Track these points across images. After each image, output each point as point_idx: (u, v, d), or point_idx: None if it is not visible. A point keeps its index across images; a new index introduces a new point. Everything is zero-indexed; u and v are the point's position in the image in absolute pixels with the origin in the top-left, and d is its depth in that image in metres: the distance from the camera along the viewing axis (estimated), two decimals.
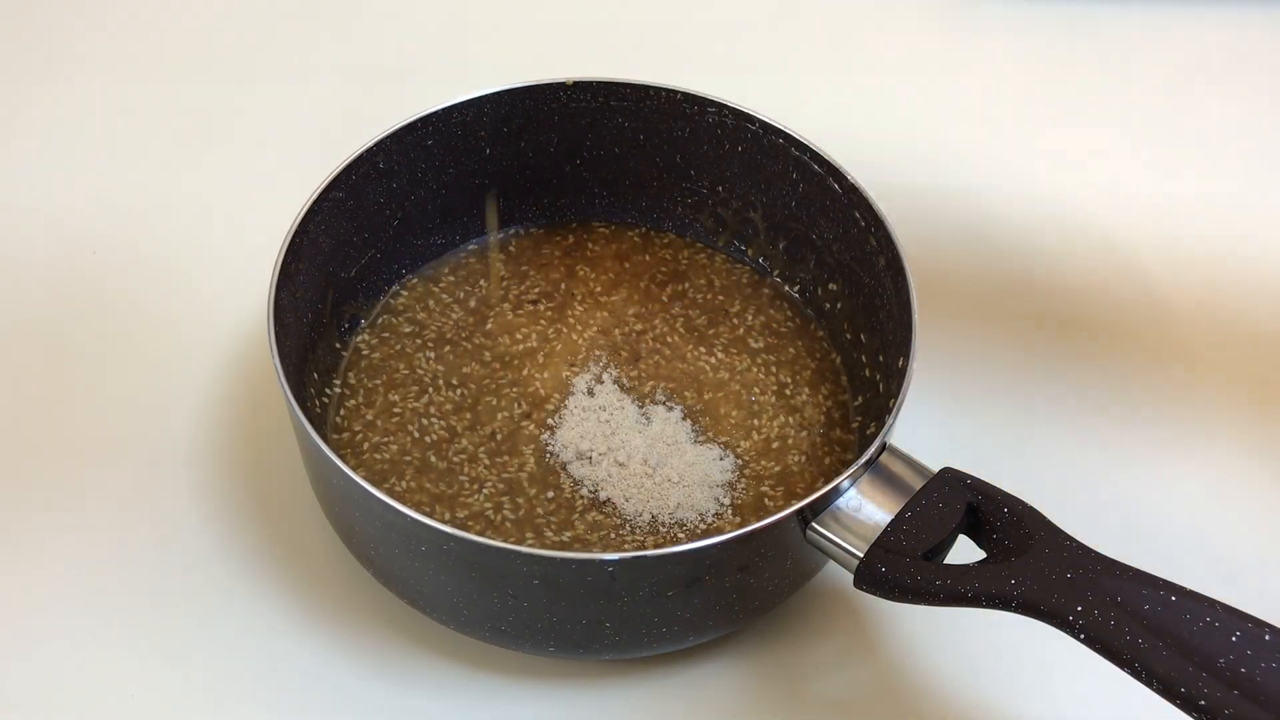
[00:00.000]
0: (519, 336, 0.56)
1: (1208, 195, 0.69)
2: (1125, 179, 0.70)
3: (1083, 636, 0.38)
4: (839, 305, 0.57)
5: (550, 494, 0.50)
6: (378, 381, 0.54)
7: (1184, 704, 0.36)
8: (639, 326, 0.56)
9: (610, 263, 0.59)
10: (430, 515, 0.48)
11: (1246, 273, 0.65)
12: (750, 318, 0.57)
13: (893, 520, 0.43)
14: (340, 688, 0.48)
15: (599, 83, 0.56)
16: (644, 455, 0.50)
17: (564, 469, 0.51)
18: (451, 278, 0.58)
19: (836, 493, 0.43)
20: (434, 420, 0.52)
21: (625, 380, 0.54)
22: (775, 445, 0.52)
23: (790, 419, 0.53)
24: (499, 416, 0.53)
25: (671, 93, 0.56)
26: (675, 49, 0.76)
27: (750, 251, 0.60)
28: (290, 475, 0.53)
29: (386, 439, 0.52)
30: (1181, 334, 0.62)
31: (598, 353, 0.55)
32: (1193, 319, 0.63)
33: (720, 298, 0.58)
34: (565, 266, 0.59)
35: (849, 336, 0.56)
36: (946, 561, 0.43)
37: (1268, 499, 0.55)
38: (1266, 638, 0.37)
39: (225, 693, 0.48)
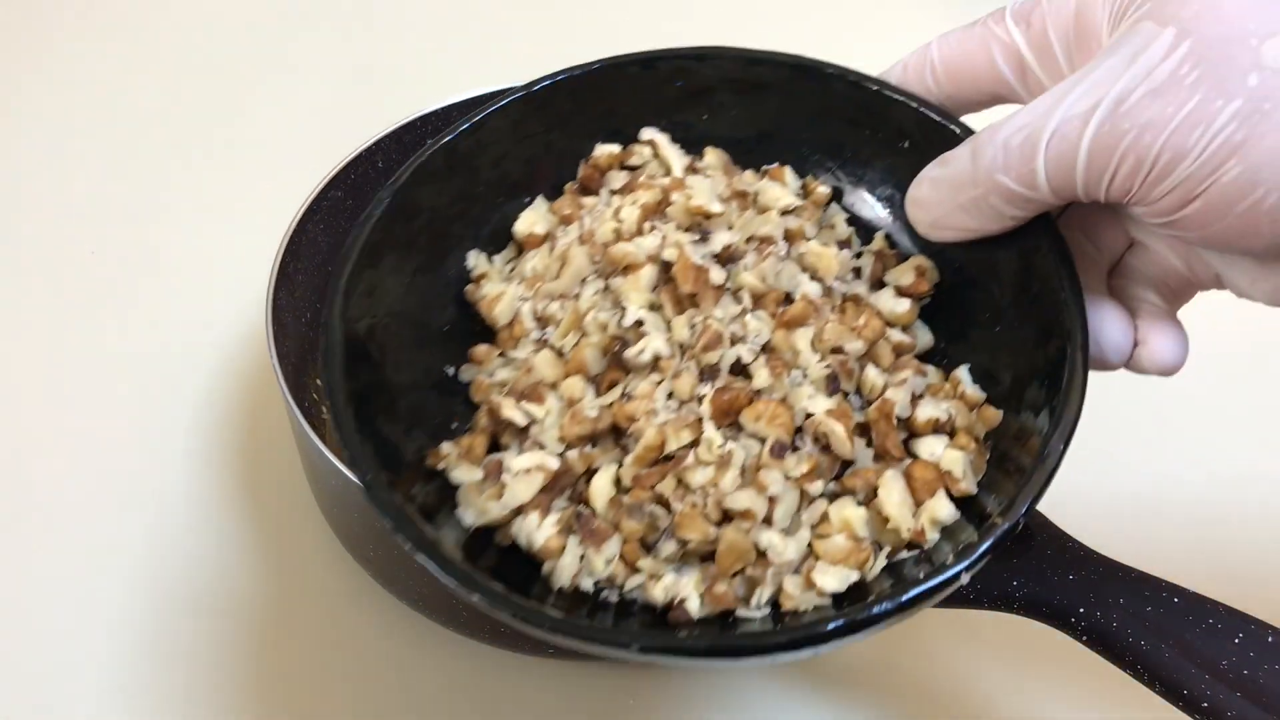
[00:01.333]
0: None
1: None
2: None
3: (1085, 638, 0.38)
4: None
5: None
6: None
7: (1186, 706, 0.36)
8: None
9: None
10: None
11: None
12: None
13: None
14: (339, 688, 0.48)
15: None
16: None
17: None
18: None
19: None
20: None
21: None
22: None
23: None
24: None
25: None
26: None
27: None
28: (289, 475, 0.53)
29: None
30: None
31: None
32: (1194, 317, 0.63)
33: None
34: None
35: None
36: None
37: (1270, 499, 0.55)
38: (1269, 640, 0.37)
39: (224, 693, 0.48)
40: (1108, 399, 0.59)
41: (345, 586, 0.50)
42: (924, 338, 0.42)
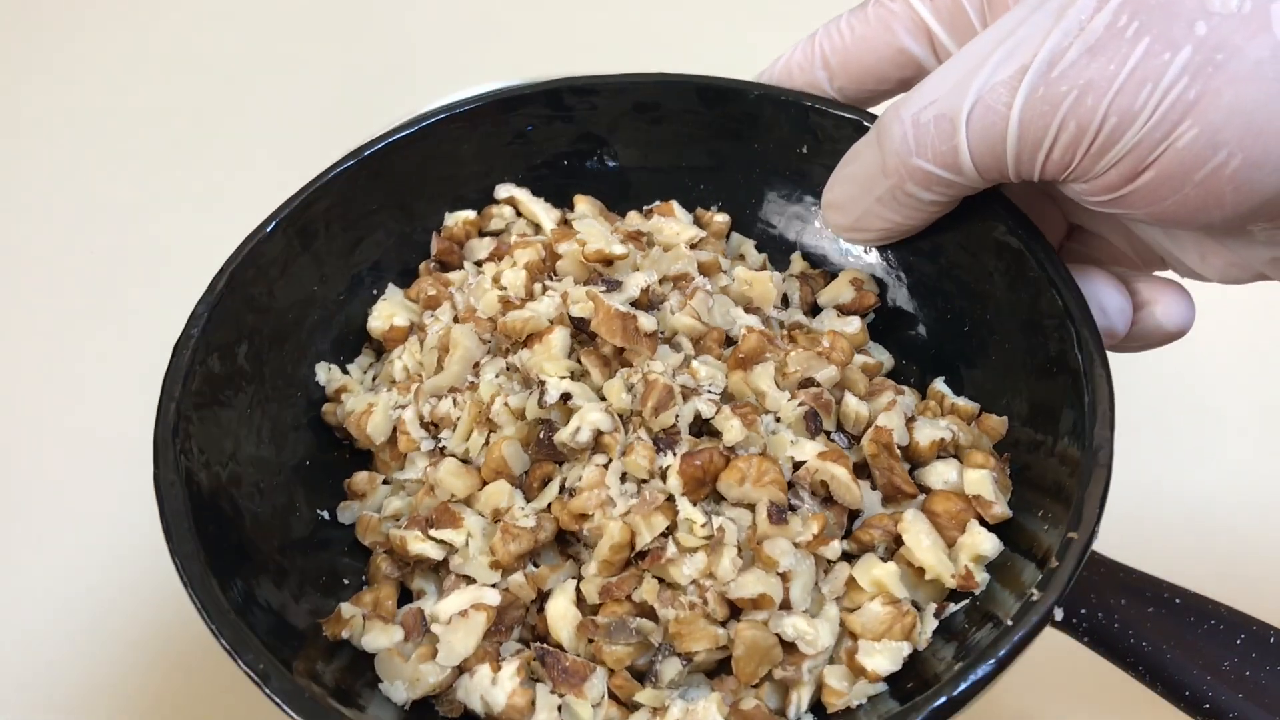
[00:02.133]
0: None
1: None
2: None
3: (1087, 639, 0.38)
4: None
5: None
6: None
7: (1188, 707, 0.35)
8: None
9: None
10: None
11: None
12: None
13: None
14: None
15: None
16: None
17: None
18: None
19: None
20: None
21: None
22: None
23: None
24: None
25: None
26: (676, 49, 0.75)
27: None
28: None
29: None
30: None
31: None
32: (1197, 318, 0.62)
33: None
34: None
35: None
36: None
37: (1273, 501, 0.55)
38: (1271, 641, 0.36)
39: (223, 694, 0.48)
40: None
41: None
42: (881, 356, 0.36)
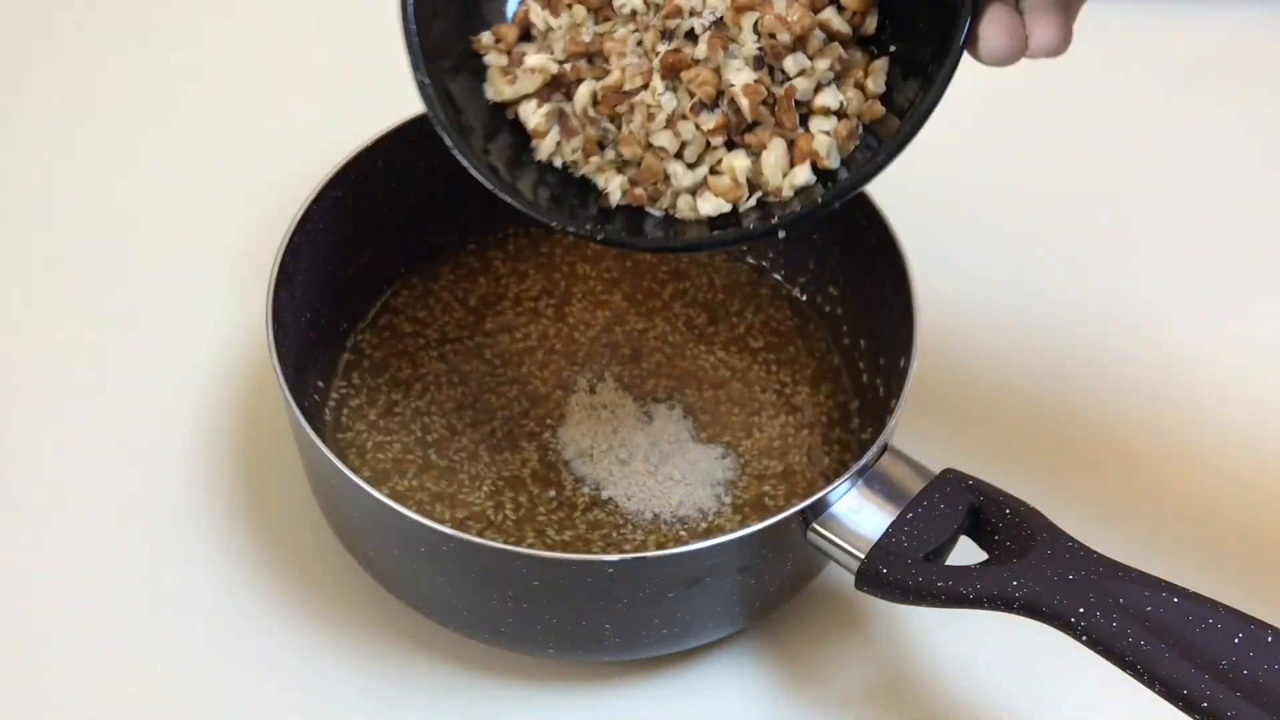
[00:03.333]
0: (519, 335, 0.56)
1: (1208, 194, 0.69)
2: (1123, 175, 0.70)
3: (1085, 638, 0.38)
4: (839, 308, 0.56)
5: (551, 492, 0.50)
6: (380, 380, 0.54)
7: (1187, 706, 0.36)
8: (640, 325, 0.56)
9: (611, 261, 0.59)
10: (430, 514, 0.48)
11: (1247, 273, 0.65)
12: (750, 316, 0.57)
13: (894, 521, 0.43)
14: (339, 690, 0.48)
15: None
16: (646, 453, 0.50)
17: (565, 466, 0.51)
18: (451, 276, 0.58)
19: (838, 493, 0.43)
20: (435, 418, 0.52)
21: (626, 378, 0.54)
22: (776, 444, 0.52)
23: (790, 418, 0.53)
24: (500, 414, 0.52)
25: None
26: None
27: (750, 252, 0.60)
28: (290, 476, 0.53)
29: (389, 438, 0.52)
30: (1180, 335, 0.62)
31: (599, 350, 0.55)
32: (1193, 319, 0.63)
33: (720, 296, 0.58)
34: (566, 265, 0.59)
35: (848, 340, 0.56)
36: (948, 563, 0.43)
37: (1272, 499, 0.55)
38: (1269, 640, 0.37)
39: (224, 695, 0.48)
40: (1104, 395, 0.59)
41: (345, 586, 0.50)
42: (870, 23, 0.44)
